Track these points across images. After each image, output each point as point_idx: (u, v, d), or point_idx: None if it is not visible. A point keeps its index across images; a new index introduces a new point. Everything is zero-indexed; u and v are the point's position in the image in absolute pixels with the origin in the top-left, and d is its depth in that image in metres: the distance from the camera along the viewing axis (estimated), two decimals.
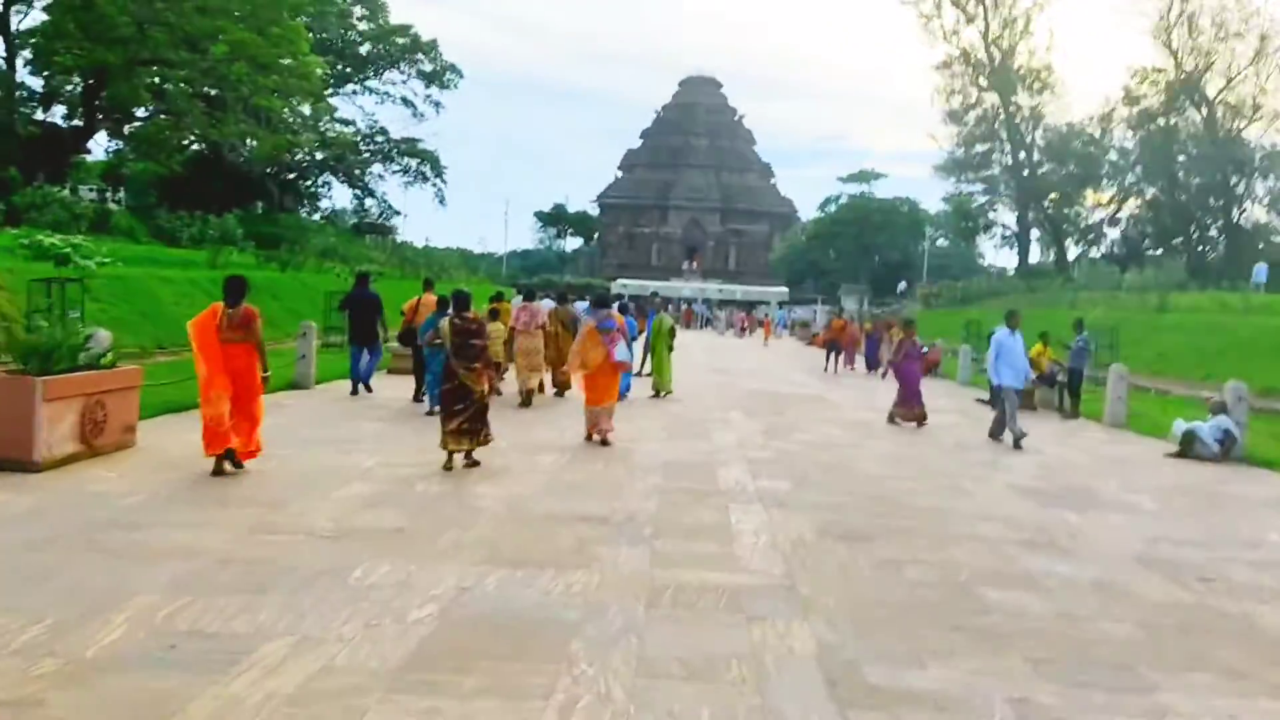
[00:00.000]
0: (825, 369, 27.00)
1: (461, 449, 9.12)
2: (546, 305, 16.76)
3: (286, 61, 40.71)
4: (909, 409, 15.05)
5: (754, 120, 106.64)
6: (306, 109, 47.43)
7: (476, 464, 9.23)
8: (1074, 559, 6.90)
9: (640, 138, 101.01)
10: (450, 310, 9.78)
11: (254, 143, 45.45)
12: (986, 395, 20.19)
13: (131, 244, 27.97)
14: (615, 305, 13.65)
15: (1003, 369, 13.38)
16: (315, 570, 5.66)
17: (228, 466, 8.28)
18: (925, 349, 29.13)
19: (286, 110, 43.73)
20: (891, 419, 15.00)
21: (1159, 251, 61.33)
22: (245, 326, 8.35)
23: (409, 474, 8.67)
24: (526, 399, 14.67)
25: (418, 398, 14.18)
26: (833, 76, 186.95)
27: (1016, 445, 12.63)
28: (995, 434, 13.37)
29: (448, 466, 9.04)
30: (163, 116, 43.12)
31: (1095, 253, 64.14)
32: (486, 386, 9.49)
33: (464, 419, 9.00)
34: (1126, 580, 6.38)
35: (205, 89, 41.69)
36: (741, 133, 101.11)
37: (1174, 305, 31.44)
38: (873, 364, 27.11)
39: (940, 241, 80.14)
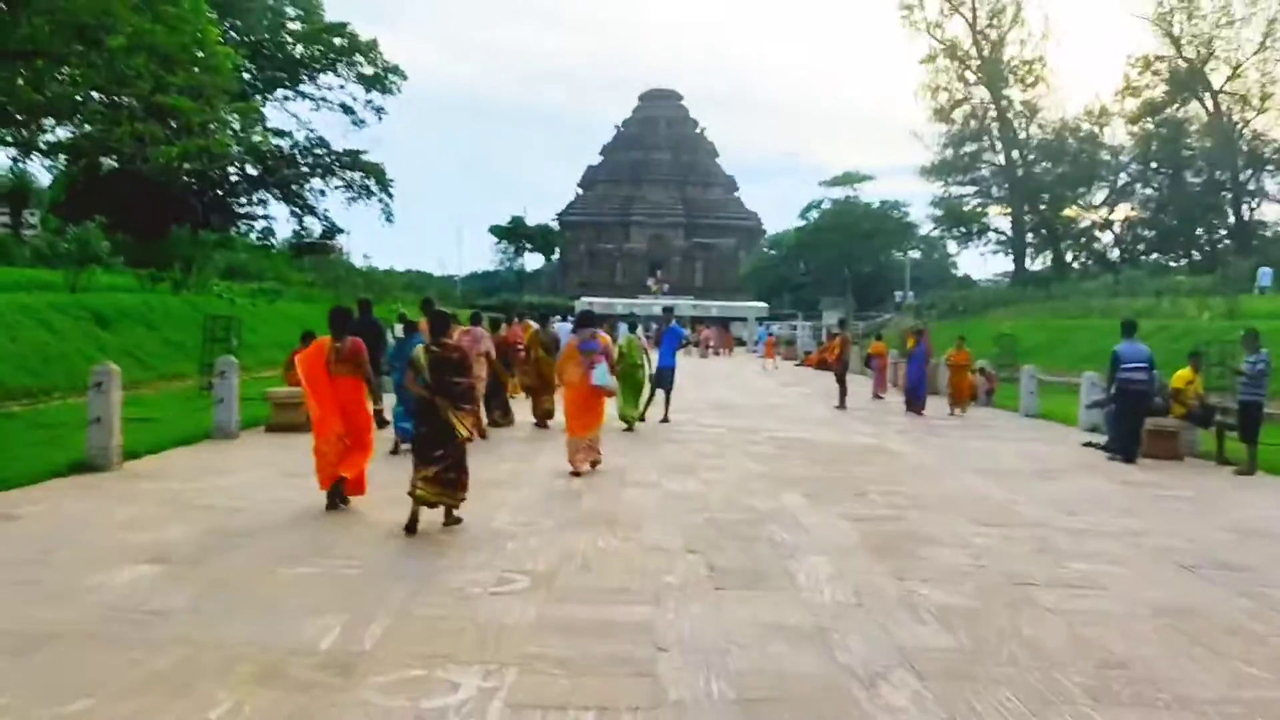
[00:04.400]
0: (841, 404, 19.80)
1: (439, 502, 7.53)
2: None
3: (196, 53, 34.72)
4: None
5: (714, 135, 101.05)
6: (234, 120, 41.44)
7: (458, 521, 7.66)
8: None
9: (601, 153, 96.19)
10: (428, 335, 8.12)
11: (172, 149, 39.15)
12: (1097, 438, 14.81)
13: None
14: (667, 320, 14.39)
15: None
16: None
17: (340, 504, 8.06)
18: (990, 374, 22.59)
19: (209, 116, 37.51)
20: None
21: (1153, 256, 56.91)
22: (353, 359, 8.19)
23: None
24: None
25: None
26: (792, 92, 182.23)
27: None
28: None
29: (409, 527, 7.36)
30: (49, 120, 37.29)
31: (1085, 257, 59.42)
32: (471, 431, 7.73)
33: (443, 466, 7.46)
34: None
35: (104, 89, 35.64)
36: (704, 146, 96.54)
37: (1246, 310, 26.34)
38: (916, 397, 19.26)
39: (912, 253, 75.45)
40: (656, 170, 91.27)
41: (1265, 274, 34.54)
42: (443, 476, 7.39)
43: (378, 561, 6.41)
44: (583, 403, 10.33)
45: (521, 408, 15.60)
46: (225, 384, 12.44)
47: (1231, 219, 54.24)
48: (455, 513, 7.61)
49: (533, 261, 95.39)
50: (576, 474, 10.09)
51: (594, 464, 10.49)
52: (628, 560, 6.59)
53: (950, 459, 12.57)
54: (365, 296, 16.42)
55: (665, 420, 15.84)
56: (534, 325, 18.10)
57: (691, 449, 12.66)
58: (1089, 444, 14.53)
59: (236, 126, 41.88)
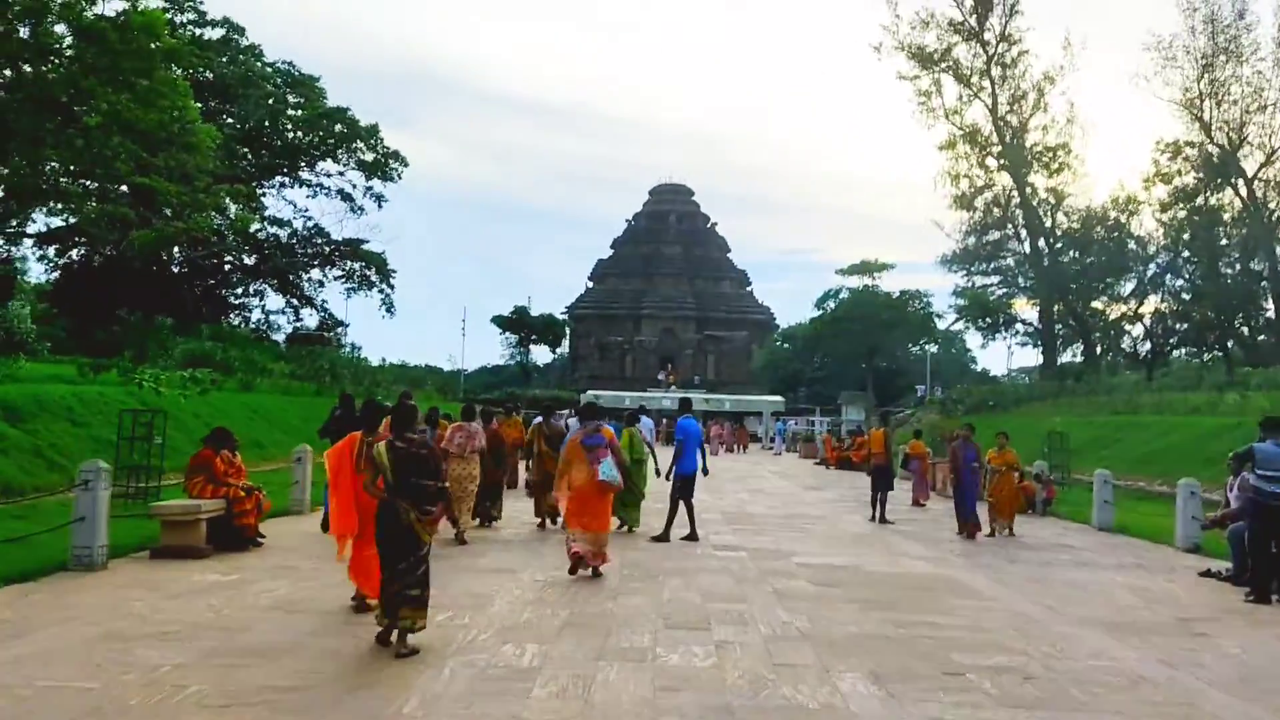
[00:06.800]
0: (873, 515, 16.77)
1: (406, 622, 6.46)
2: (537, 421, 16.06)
3: (175, 129, 32.55)
4: None
5: (724, 230, 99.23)
6: (230, 206, 39.35)
7: (413, 652, 6.44)
8: None
9: (611, 247, 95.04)
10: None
11: (150, 234, 36.76)
12: (1217, 565, 11.66)
13: None
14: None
15: None
16: None
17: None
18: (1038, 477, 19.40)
19: (190, 200, 35.26)
20: None
21: (1182, 351, 53.95)
22: None
23: None
24: (459, 537, 12.13)
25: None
26: (804, 189, 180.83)
27: None
28: None
29: (384, 641, 6.61)
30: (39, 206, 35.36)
31: (1112, 351, 56.38)
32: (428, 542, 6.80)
33: (406, 583, 6.53)
34: None
35: (85, 172, 33.47)
36: (715, 240, 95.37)
37: None
38: (968, 509, 15.25)
39: (930, 346, 72.59)
40: (667, 264, 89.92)
41: None
42: (406, 594, 6.56)
43: None
44: (585, 502, 9.83)
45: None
46: (89, 498, 9.44)
47: (1271, 310, 51.36)
48: (411, 639, 6.58)
49: (542, 355, 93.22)
50: (574, 571, 9.73)
51: (597, 570, 9.81)
52: None
53: (1050, 600, 9.39)
54: (345, 391, 14.98)
55: (664, 539, 12.78)
56: (519, 419, 18.45)
57: (701, 585, 9.55)
58: (1208, 573, 11.41)
59: (232, 213, 39.89)
